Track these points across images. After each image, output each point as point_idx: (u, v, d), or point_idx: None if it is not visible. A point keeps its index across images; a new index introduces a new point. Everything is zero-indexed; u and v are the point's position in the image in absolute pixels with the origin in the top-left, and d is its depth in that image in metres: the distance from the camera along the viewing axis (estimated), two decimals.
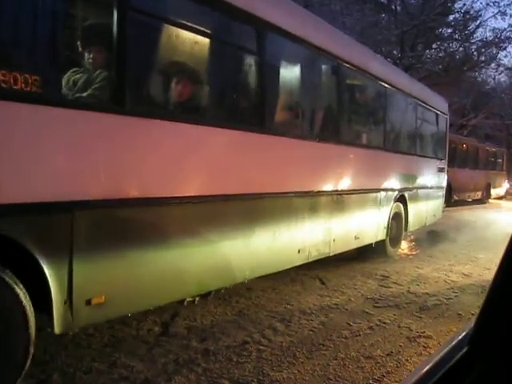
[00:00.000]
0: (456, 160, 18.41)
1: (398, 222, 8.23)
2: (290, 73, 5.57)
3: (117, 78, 3.23)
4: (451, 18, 20.36)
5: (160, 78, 3.93)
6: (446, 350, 0.89)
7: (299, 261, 5.47)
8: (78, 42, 3.26)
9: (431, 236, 10.47)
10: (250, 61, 4.65)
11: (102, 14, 3.36)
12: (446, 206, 12.76)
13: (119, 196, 3.22)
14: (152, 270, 3.52)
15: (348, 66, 6.27)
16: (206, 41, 4.11)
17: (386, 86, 7.54)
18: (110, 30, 3.15)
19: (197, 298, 4.80)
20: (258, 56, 4.61)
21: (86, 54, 3.32)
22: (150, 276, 3.52)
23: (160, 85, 3.91)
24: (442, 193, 10.90)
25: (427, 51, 20.78)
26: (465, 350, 0.84)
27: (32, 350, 2.90)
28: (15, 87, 2.59)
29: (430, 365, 0.87)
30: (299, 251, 5.37)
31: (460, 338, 0.90)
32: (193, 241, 3.87)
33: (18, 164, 2.66)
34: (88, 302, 3.07)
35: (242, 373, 3.44)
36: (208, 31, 4.06)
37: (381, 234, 7.58)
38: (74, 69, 3.25)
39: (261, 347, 3.92)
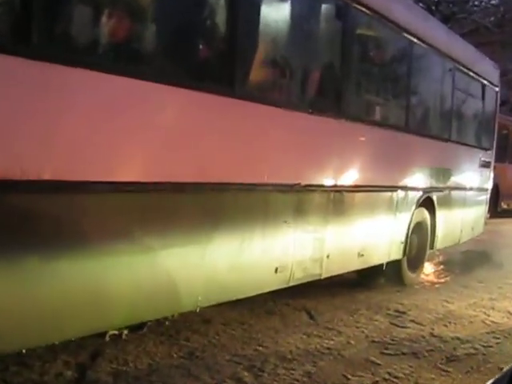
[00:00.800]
0: (508, 152, 18.66)
1: (420, 236, 8.35)
2: (275, 14, 5.57)
3: None
4: None
5: None
6: None
7: (277, 284, 5.53)
8: None
9: (467, 258, 10.62)
10: None
11: None
12: (490, 217, 12.95)
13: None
14: (56, 288, 3.50)
15: (358, 7, 6.28)
16: None
17: (413, 39, 7.60)
18: None
19: (125, 332, 4.81)
20: None
21: None
22: (52, 297, 3.49)
23: None
24: (486, 197, 11.08)
25: None
26: None
27: None
28: None
29: None
30: (277, 270, 5.40)
31: None
32: (118, 247, 3.84)
33: None
34: None
35: None
36: None
37: (395, 252, 7.68)
38: None
39: None
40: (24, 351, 3.81)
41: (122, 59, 4.09)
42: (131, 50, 4.22)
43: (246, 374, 4.52)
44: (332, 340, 5.53)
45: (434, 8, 18.69)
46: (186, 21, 4.62)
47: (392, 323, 6.30)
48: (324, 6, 6.14)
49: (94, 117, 3.67)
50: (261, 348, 5.13)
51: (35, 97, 3.31)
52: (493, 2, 21.20)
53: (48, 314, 3.50)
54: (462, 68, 9.23)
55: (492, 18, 20.40)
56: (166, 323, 5.26)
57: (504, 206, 18.56)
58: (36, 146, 3.34)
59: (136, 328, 4.82)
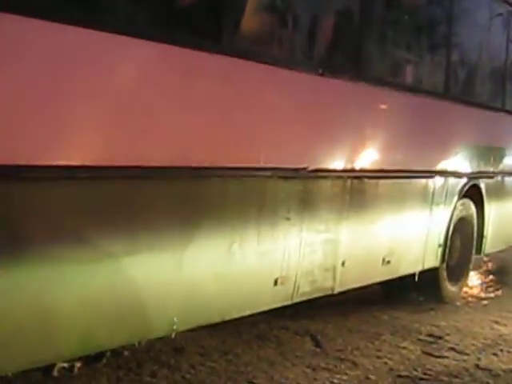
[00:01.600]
0: None
1: (464, 237, 8.44)
2: None
3: None
4: None
5: None
6: None
7: (277, 300, 5.58)
8: None
9: None
10: None
11: None
12: None
13: None
14: None
15: None
16: None
17: None
18: None
19: (77, 364, 4.84)
20: None
21: None
22: None
23: None
24: None
25: None
26: None
27: None
28: None
29: None
30: (277, 282, 5.45)
31: None
32: (65, 255, 3.85)
33: None
34: None
35: None
36: None
37: (431, 258, 7.75)
38: None
39: None
40: None
41: None
42: None
43: None
44: (345, 374, 5.58)
45: None
46: None
47: (425, 352, 6.38)
48: None
49: None
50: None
51: None
52: None
53: None
54: None
55: None
56: (125, 353, 5.29)
57: None
58: None
59: (92, 359, 4.87)
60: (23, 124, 3.57)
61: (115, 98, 4.08)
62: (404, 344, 6.55)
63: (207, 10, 4.85)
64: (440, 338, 6.85)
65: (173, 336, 4.73)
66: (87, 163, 3.94)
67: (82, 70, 3.89)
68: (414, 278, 7.54)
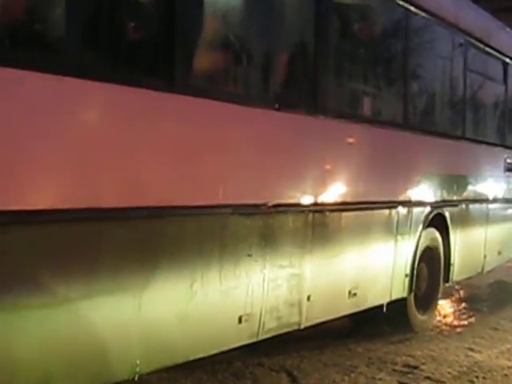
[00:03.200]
0: None
1: (431, 266, 8.41)
2: None
3: None
4: None
5: None
6: None
7: (242, 338, 5.51)
8: None
9: (496, 291, 10.71)
10: None
11: None
12: None
13: None
14: None
15: None
16: None
17: (411, 8, 7.69)
18: None
19: None
20: None
21: None
22: None
23: None
24: None
25: None
26: None
27: None
28: None
29: None
30: (241, 320, 5.40)
31: None
32: (24, 300, 3.78)
33: None
34: None
35: None
36: None
37: (399, 288, 7.71)
38: None
39: None
40: None
41: None
42: None
43: None
44: None
45: None
46: None
47: (401, 382, 6.36)
48: None
49: None
50: None
51: None
52: None
53: None
54: (476, 43, 9.39)
55: None
56: None
57: None
58: None
59: None
60: None
61: (64, 140, 4.04)
62: (380, 375, 6.51)
63: (160, 49, 4.85)
64: (415, 367, 6.82)
65: (135, 379, 4.64)
66: (39, 207, 3.87)
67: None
68: (383, 310, 7.50)
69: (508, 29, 11.24)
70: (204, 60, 5.37)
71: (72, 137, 4.12)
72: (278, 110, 5.77)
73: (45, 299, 3.91)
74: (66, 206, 4.02)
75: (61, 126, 4.08)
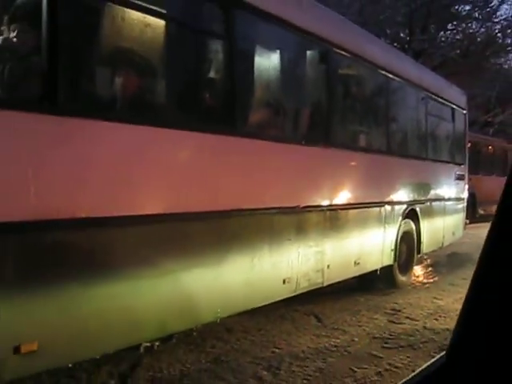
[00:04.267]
0: (481, 165, 18.70)
1: (408, 243, 8.34)
2: (271, 61, 5.65)
3: None
4: None
5: None
6: (426, 365, 1.01)
7: (285, 293, 5.52)
8: None
9: (452, 259, 10.61)
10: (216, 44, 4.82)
11: None
12: (470, 222, 12.95)
13: (46, 217, 3.20)
14: (96, 309, 3.53)
15: (338, 51, 6.37)
16: None
17: (390, 75, 7.69)
18: None
19: (156, 343, 4.82)
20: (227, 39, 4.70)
21: None
22: (94, 317, 3.53)
23: None
24: (463, 206, 11.07)
25: (441, 33, 21.16)
26: (443, 361, 0.96)
27: None
28: None
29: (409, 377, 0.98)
30: (284, 281, 5.41)
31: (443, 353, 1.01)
32: (147, 272, 3.87)
33: None
34: (16, 350, 3.06)
35: None
36: None
37: (387, 259, 7.67)
38: None
39: None
40: (71, 365, 3.87)
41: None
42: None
43: (265, 373, 4.54)
44: (338, 339, 5.53)
45: (406, 46, 18.81)
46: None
47: (390, 320, 6.31)
48: (310, 53, 6.22)
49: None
50: (277, 350, 5.14)
51: None
52: (457, 38, 21.25)
53: (89, 332, 3.53)
54: (433, 96, 9.33)
55: (457, 51, 20.44)
56: (194, 334, 5.26)
57: (481, 211, 18.50)
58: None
59: (166, 339, 4.84)
60: None
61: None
62: (376, 316, 6.48)
63: (229, 107, 4.81)
64: (399, 310, 6.76)
65: (218, 321, 4.72)
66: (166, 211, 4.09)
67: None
68: (377, 273, 7.49)
69: (454, 86, 11.16)
70: (257, 114, 5.39)
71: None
72: (304, 144, 5.80)
73: (163, 272, 4.01)
74: (174, 211, 4.12)
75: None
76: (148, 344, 4.71)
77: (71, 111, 3.40)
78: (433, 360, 1.05)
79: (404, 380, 1.03)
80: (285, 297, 5.57)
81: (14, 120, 3.11)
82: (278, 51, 5.73)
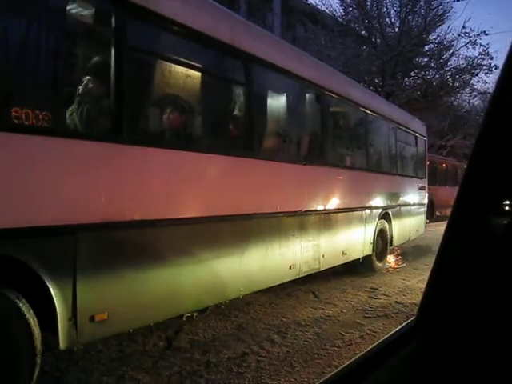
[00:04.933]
0: (437, 178, 18.65)
1: (383, 238, 8.27)
2: (277, 102, 5.68)
3: None
4: (427, 48, 20.70)
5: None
6: (398, 329, 1.02)
7: (291, 276, 5.50)
8: None
9: (416, 250, 10.53)
10: (238, 92, 4.79)
11: None
12: (429, 222, 12.87)
13: (118, 219, 3.27)
14: (151, 288, 3.57)
15: (330, 94, 6.41)
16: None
17: (368, 111, 7.69)
18: None
19: (195, 314, 4.83)
20: (245, 87, 4.72)
21: None
22: (149, 294, 3.56)
23: None
24: (424, 209, 10.99)
25: (406, 79, 21.07)
26: (411, 325, 0.99)
27: (39, 362, 2.91)
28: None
29: (380, 341, 1.02)
30: (290, 267, 5.41)
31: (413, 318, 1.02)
32: (189, 260, 3.91)
33: (23, 191, 2.73)
34: (92, 319, 3.10)
35: (242, 382, 3.48)
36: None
37: (367, 250, 7.61)
38: None
39: (259, 358, 3.96)
40: (131, 330, 3.91)
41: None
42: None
43: (275, 336, 4.54)
44: (330, 310, 5.50)
45: (380, 89, 18.78)
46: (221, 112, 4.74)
47: (369, 296, 6.26)
48: (308, 95, 6.24)
49: (170, 179, 3.78)
50: (284, 319, 5.11)
51: None
52: (418, 82, 21.16)
53: (145, 306, 3.56)
54: (401, 127, 9.29)
55: (418, 92, 20.35)
56: (222, 307, 5.27)
57: (438, 213, 18.39)
58: (136, 199, 3.44)
59: (202, 311, 4.87)
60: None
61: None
62: (359, 293, 6.42)
63: (249, 137, 4.80)
64: (376, 289, 6.70)
65: (241, 297, 4.72)
66: (201, 215, 4.09)
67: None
68: (360, 260, 7.45)
69: (416, 119, 11.13)
70: (269, 141, 5.38)
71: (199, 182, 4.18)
72: (305, 164, 5.80)
73: (201, 259, 4.04)
74: (199, 215, 4.10)
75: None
76: (188, 314, 4.73)
77: (133, 141, 3.44)
78: (402, 325, 1.06)
79: (379, 341, 1.04)
80: (290, 279, 5.57)
81: (92, 148, 3.16)
82: (284, 94, 5.79)
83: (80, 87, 3.30)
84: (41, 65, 2.91)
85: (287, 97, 5.79)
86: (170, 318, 4.16)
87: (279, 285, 5.45)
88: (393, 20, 20.01)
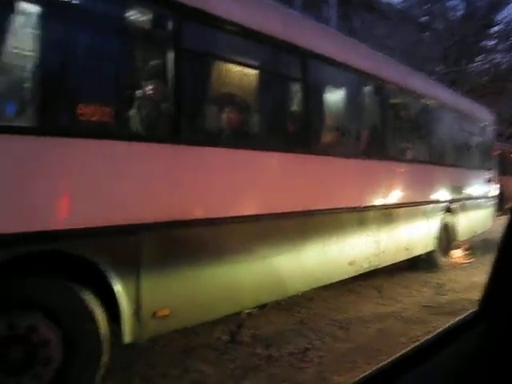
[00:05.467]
0: (508, 169, 17.74)
1: (447, 233, 8.01)
2: (335, 96, 5.64)
3: None
4: (494, 29, 19.76)
5: None
6: (461, 316, 1.05)
7: (350, 273, 5.46)
8: None
9: (483, 244, 10.11)
10: (295, 88, 4.78)
11: None
12: (499, 214, 12.31)
13: (181, 218, 3.40)
14: (211, 285, 3.67)
15: (389, 85, 6.26)
16: None
17: (430, 101, 7.45)
18: None
19: (254, 310, 4.91)
20: (302, 83, 4.71)
21: None
22: (209, 291, 3.66)
23: None
24: (492, 202, 10.52)
25: (471, 65, 20.23)
26: (473, 312, 1.01)
27: (105, 352, 3.06)
28: None
29: (443, 328, 1.04)
30: (350, 264, 5.36)
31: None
32: (248, 257, 3.97)
33: (94, 192, 2.92)
34: (154, 315, 3.25)
35: (304, 377, 3.53)
36: None
37: (431, 245, 7.40)
38: None
39: (321, 353, 3.98)
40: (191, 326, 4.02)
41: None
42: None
43: (338, 331, 4.55)
44: (393, 306, 5.43)
45: (442, 77, 18.12)
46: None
47: (435, 293, 6.12)
48: (368, 88, 6.12)
49: (222, 176, 3.85)
50: (346, 314, 5.09)
51: None
52: (485, 67, 20.23)
53: (206, 302, 3.69)
54: (466, 116, 8.93)
55: (486, 78, 19.47)
56: (282, 302, 5.31)
57: (507, 206, 17.54)
58: (192, 199, 3.57)
59: (262, 306, 4.93)
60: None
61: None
62: (423, 289, 6.30)
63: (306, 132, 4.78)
64: (441, 285, 6.55)
65: (299, 294, 4.79)
66: (260, 212, 4.17)
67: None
68: (423, 256, 7.30)
69: (483, 107, 10.58)
70: (326, 136, 5.32)
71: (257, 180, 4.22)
72: (365, 159, 5.70)
73: (255, 256, 4.08)
74: (258, 212, 4.18)
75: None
76: (248, 310, 4.82)
77: (190, 141, 3.55)
78: (467, 313, 1.08)
79: (441, 328, 1.06)
80: (350, 275, 5.52)
81: (156, 149, 3.31)
82: (342, 87, 5.71)
83: (144, 90, 3.45)
84: (105, 69, 3.11)
85: (345, 90, 5.71)
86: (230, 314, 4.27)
87: (340, 281, 5.41)
88: (456, 2, 19.23)
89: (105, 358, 3.07)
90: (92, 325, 2.96)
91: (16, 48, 2.71)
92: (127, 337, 3.14)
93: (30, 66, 2.77)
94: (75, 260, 2.86)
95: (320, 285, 5.06)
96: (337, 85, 5.64)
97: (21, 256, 2.61)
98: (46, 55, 2.80)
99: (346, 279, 5.58)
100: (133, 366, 3.68)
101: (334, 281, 5.25)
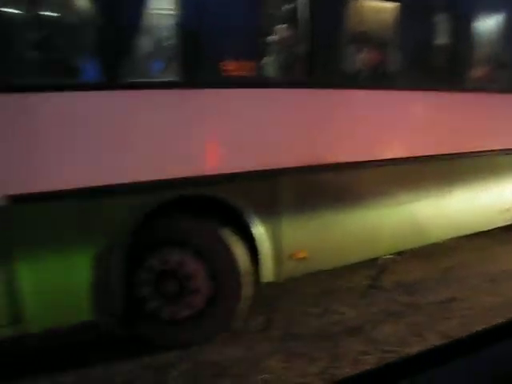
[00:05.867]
0: None
1: None
2: (483, 23, 4.87)
3: None
4: None
5: None
6: None
7: (506, 221, 5.02)
8: None
9: None
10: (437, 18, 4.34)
11: None
12: None
13: (318, 162, 3.48)
14: (348, 229, 3.72)
15: None
16: None
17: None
18: None
19: (395, 256, 4.79)
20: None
21: None
22: (346, 235, 3.73)
23: None
24: None
25: None
26: None
27: (244, 287, 3.30)
28: None
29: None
30: (505, 210, 4.94)
31: None
32: (387, 202, 3.91)
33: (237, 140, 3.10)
34: (292, 256, 3.44)
35: (447, 328, 3.46)
36: None
37: None
38: None
39: (465, 305, 3.84)
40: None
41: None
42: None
43: (485, 284, 4.30)
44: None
45: None
46: None
47: None
48: None
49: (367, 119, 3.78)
50: (494, 266, 4.75)
51: None
52: None
53: (342, 247, 3.77)
54: None
55: None
56: (423, 251, 5.06)
57: None
58: (330, 144, 3.58)
59: (400, 253, 4.81)
60: None
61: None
62: None
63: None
64: None
65: (441, 242, 4.63)
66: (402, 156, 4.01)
67: None
68: None
69: None
70: (474, 71, 4.72)
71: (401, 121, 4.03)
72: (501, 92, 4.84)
73: (395, 202, 4.00)
74: (398, 156, 4.00)
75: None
76: (390, 256, 4.74)
77: (324, 84, 3.52)
78: None
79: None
80: (505, 223, 5.08)
81: (292, 95, 3.39)
82: (497, 14, 4.99)
83: (280, 35, 3.47)
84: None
85: (499, 17, 4.98)
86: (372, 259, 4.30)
87: (494, 229, 5.05)
88: None
89: (245, 292, 3.34)
90: (233, 263, 3.22)
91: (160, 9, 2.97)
92: (266, 276, 3.41)
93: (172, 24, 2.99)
94: (221, 205, 3.14)
95: (468, 233, 4.80)
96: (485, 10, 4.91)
97: (174, 200, 2.96)
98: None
99: (501, 229, 5.16)
100: (276, 302, 3.96)
101: (484, 229, 4.92)
